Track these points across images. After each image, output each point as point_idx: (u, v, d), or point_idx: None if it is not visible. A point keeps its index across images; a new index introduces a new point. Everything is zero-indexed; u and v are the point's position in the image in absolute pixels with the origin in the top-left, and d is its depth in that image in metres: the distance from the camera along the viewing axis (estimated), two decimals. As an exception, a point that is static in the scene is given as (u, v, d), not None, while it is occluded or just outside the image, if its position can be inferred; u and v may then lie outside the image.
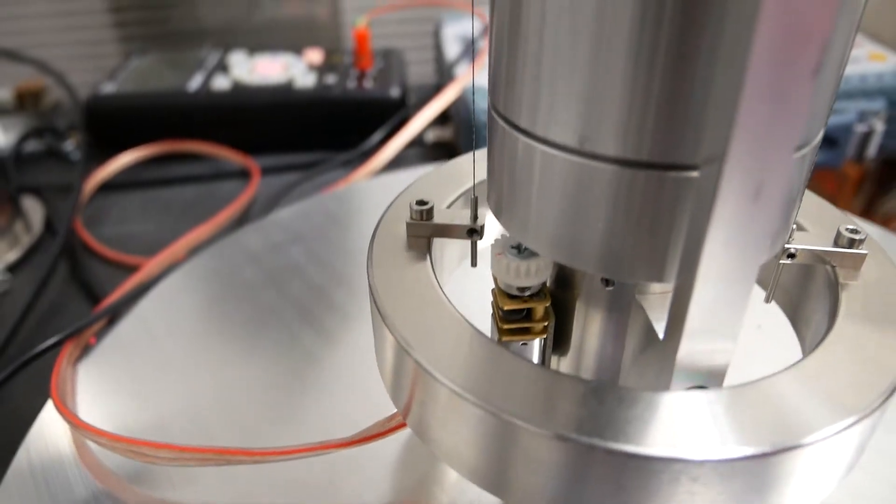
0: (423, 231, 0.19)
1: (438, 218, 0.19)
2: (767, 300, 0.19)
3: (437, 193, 0.20)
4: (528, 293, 0.17)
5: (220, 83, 0.49)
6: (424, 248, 0.19)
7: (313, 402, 0.25)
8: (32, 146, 0.53)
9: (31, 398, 0.30)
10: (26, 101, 0.57)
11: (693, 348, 0.15)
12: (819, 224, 0.19)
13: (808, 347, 0.19)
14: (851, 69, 0.43)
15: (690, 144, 0.13)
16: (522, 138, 0.15)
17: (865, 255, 0.18)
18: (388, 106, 0.48)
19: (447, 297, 0.17)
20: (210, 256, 0.31)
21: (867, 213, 0.97)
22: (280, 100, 0.47)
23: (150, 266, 0.35)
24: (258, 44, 0.62)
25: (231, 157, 0.48)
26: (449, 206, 0.20)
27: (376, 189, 0.36)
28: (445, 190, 0.21)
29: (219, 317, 0.28)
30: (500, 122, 0.16)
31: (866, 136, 0.41)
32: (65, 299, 0.38)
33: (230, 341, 0.27)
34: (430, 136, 0.49)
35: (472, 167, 0.21)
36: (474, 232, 0.19)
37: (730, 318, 0.14)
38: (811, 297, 0.19)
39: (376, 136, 0.47)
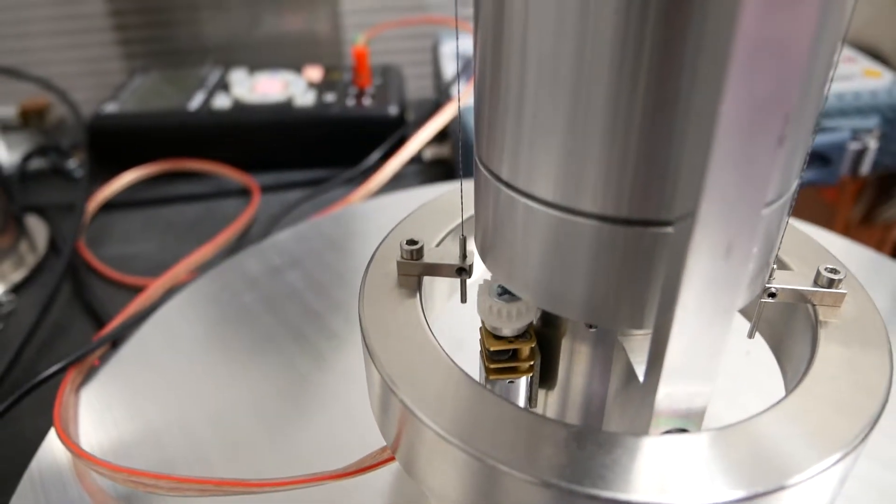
0: (413, 270, 0.20)
1: (428, 257, 0.20)
2: (750, 336, 0.20)
3: (427, 230, 0.21)
4: (513, 334, 0.18)
5: (221, 102, 0.49)
6: (415, 286, 0.19)
7: (310, 428, 0.25)
8: (37, 164, 0.53)
9: (37, 420, 0.30)
10: (30, 118, 0.58)
11: (671, 391, 0.15)
12: (802, 261, 0.20)
13: (790, 383, 0.19)
14: (845, 86, 0.43)
15: (665, 203, 0.13)
16: (504, 189, 0.15)
17: (844, 294, 0.18)
18: (387, 124, 0.48)
19: (435, 337, 0.18)
20: (210, 280, 0.32)
21: (867, 220, 0.97)
22: (280, 118, 0.48)
23: (152, 290, 0.35)
24: (260, 59, 0.63)
25: (232, 175, 0.49)
26: (439, 244, 0.21)
27: (372, 211, 0.37)
28: (436, 226, 0.21)
29: (218, 343, 0.29)
30: (484, 171, 0.16)
31: (860, 154, 0.42)
32: (68, 320, 0.38)
33: (229, 367, 0.28)
34: (428, 154, 0.49)
35: (462, 201, 0.21)
36: (463, 271, 0.19)
37: (706, 362, 0.15)
38: (793, 333, 0.20)
39: (374, 156, 0.48)
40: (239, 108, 0.49)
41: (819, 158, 0.42)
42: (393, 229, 0.21)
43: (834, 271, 0.18)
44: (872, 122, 0.42)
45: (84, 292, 0.39)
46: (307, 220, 0.37)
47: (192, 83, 0.53)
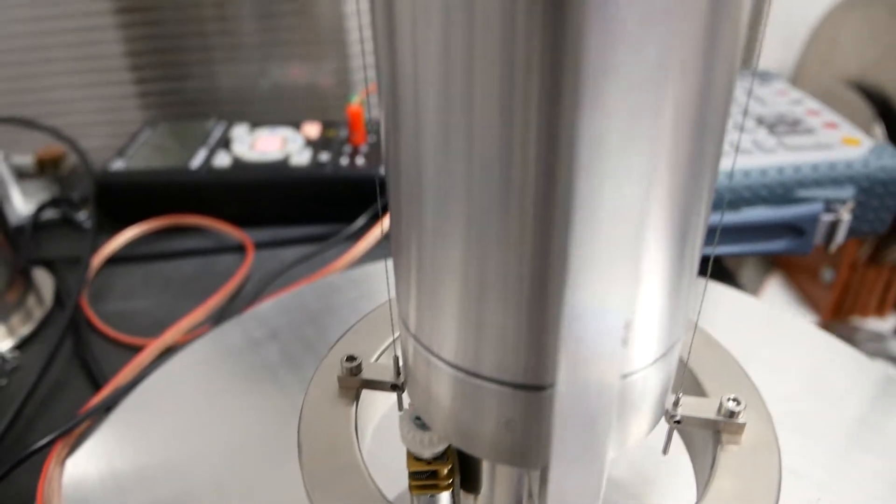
0: (353, 384, 0.21)
1: (366, 373, 0.21)
2: (664, 453, 0.21)
3: (366, 344, 0.22)
4: (432, 457, 0.19)
5: (221, 160, 0.52)
6: (353, 399, 0.21)
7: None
8: (49, 213, 0.56)
9: (31, 482, 0.32)
10: (46, 166, 0.61)
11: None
12: (719, 386, 0.21)
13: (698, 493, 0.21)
14: (822, 156, 0.44)
15: (540, 370, 0.15)
16: (413, 341, 0.17)
17: (744, 425, 0.19)
18: (378, 185, 0.50)
19: (362, 456, 0.19)
20: (192, 353, 0.34)
21: (874, 260, 0.97)
22: (275, 177, 0.50)
23: (143, 356, 0.38)
24: (265, 111, 0.65)
25: (228, 231, 0.51)
26: (378, 358, 0.22)
27: (354, 282, 0.39)
28: (375, 340, 0.23)
29: (191, 420, 0.31)
30: (398, 316, 0.18)
31: (833, 225, 0.42)
32: (68, 379, 0.41)
33: (198, 446, 0.30)
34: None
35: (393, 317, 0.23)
36: (397, 387, 0.21)
37: (586, 498, 0.16)
38: (702, 448, 0.21)
39: (360, 221, 0.49)
40: (238, 166, 0.51)
41: (793, 230, 0.43)
42: (337, 341, 0.23)
43: (736, 402, 0.19)
44: (848, 192, 0.43)
45: (83, 351, 0.42)
46: (290, 290, 0.39)
47: (196, 138, 0.55)
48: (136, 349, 0.41)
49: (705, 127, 0.13)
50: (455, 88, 0.12)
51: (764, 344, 0.33)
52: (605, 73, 0.10)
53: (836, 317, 1.00)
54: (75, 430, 0.31)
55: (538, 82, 0.11)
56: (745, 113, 0.50)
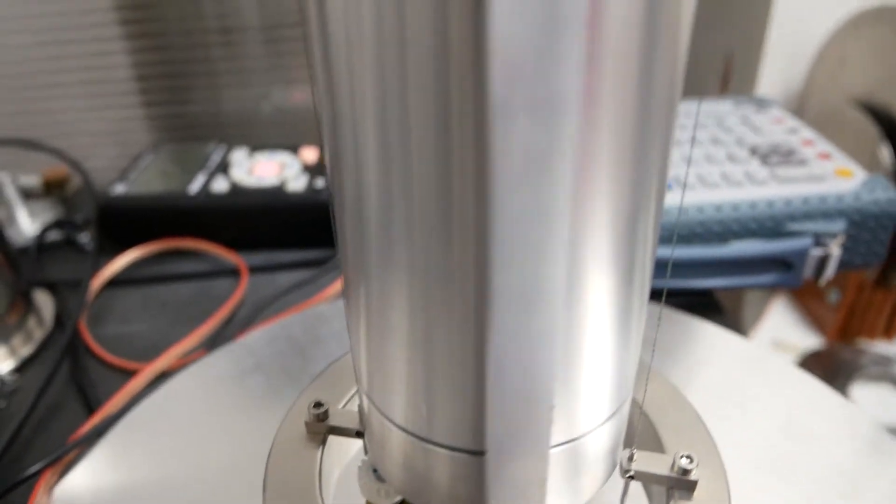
0: (320, 429, 0.22)
1: (333, 420, 0.22)
2: (622, 504, 0.21)
3: (335, 390, 0.23)
4: (390, 507, 0.20)
5: (220, 185, 0.53)
6: (319, 443, 0.22)
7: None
8: (53, 235, 0.57)
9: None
10: (52, 187, 0.62)
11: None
12: (678, 442, 0.21)
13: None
14: (814, 188, 0.44)
15: (479, 437, 0.16)
16: (367, 401, 0.18)
17: (696, 482, 0.20)
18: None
19: (323, 501, 0.20)
20: (180, 384, 0.35)
21: (881, 283, 0.96)
22: (272, 203, 0.51)
23: (134, 383, 0.39)
24: (267, 134, 0.66)
25: (224, 255, 0.52)
26: (345, 404, 0.23)
27: (340, 312, 0.39)
28: (343, 386, 0.23)
29: (182, 446, 0.31)
30: (356, 377, 0.18)
31: (823, 260, 0.42)
32: (65, 401, 0.41)
33: (191, 471, 0.30)
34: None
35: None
36: (361, 434, 0.22)
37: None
38: (659, 503, 0.21)
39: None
40: (235, 191, 0.52)
41: (782, 264, 0.43)
42: (307, 387, 0.23)
43: (690, 459, 0.20)
44: (838, 226, 0.43)
45: (79, 375, 0.43)
46: (280, 317, 0.40)
47: (196, 162, 0.56)
48: (132, 373, 0.41)
49: (634, 220, 0.13)
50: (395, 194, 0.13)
51: (744, 385, 0.33)
52: (516, 182, 0.11)
53: (843, 338, 0.99)
54: (65, 457, 0.32)
55: (472, 189, 0.12)
56: (695, 141, 0.50)
